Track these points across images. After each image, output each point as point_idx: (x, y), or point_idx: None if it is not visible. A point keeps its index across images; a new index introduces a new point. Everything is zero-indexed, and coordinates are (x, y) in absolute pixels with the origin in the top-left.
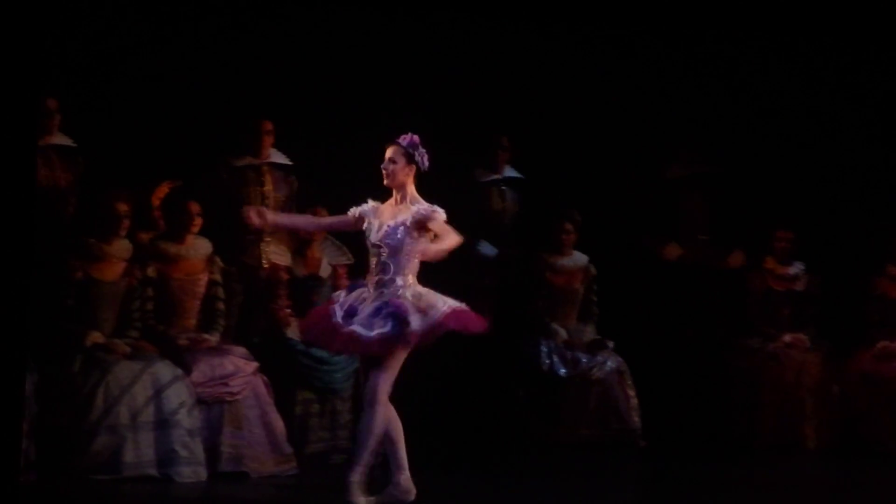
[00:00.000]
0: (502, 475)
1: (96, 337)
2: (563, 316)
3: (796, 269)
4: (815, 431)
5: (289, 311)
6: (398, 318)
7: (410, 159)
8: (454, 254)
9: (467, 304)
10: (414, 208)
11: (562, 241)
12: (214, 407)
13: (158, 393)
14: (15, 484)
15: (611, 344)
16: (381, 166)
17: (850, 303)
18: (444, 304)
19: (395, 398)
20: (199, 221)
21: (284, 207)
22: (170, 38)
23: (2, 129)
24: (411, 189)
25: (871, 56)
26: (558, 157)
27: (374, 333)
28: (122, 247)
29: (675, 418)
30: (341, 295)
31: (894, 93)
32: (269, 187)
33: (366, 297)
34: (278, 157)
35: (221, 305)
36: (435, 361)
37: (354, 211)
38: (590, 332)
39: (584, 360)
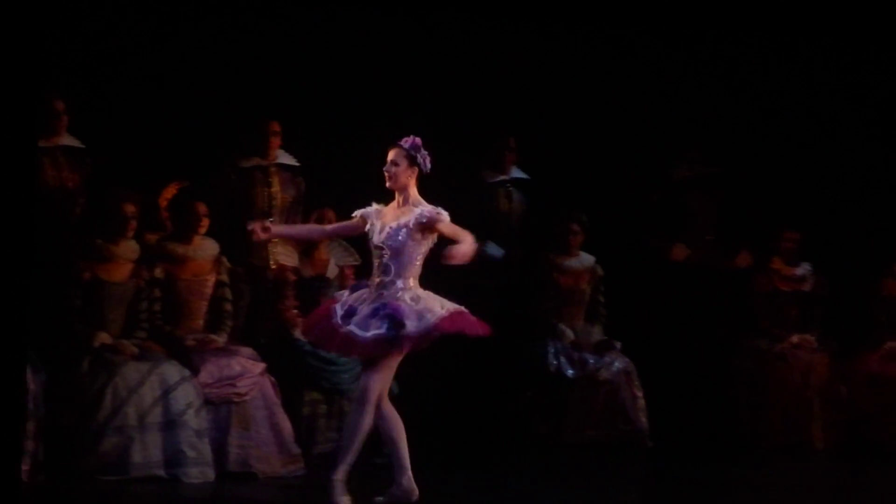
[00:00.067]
0: (509, 475)
1: (104, 338)
2: (570, 317)
3: (803, 269)
4: (822, 432)
5: (296, 311)
6: (394, 320)
7: (412, 161)
8: (441, 254)
9: (470, 305)
10: (417, 210)
11: (569, 241)
12: (222, 408)
13: (166, 394)
14: (17, 483)
15: (618, 345)
16: (384, 169)
17: (856, 303)
18: (443, 308)
19: (401, 398)
20: (206, 222)
21: (292, 208)
22: (177, 39)
23: (3, 129)
24: (413, 191)
25: (877, 57)
26: (565, 157)
27: (369, 334)
28: (129, 248)
29: (682, 419)
30: (344, 294)
31: None
32: (276, 188)
33: (366, 297)
34: (286, 158)
35: (229, 306)
36: (442, 362)
37: (358, 214)
38: (597, 333)
39: (592, 360)
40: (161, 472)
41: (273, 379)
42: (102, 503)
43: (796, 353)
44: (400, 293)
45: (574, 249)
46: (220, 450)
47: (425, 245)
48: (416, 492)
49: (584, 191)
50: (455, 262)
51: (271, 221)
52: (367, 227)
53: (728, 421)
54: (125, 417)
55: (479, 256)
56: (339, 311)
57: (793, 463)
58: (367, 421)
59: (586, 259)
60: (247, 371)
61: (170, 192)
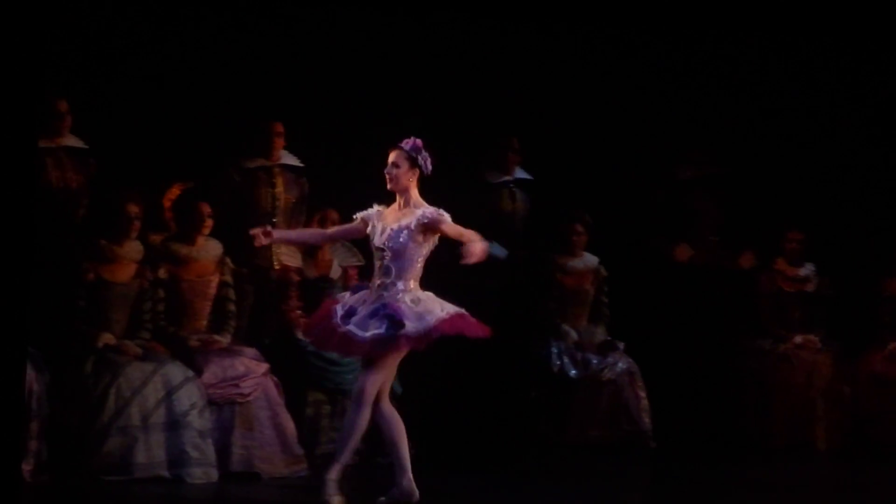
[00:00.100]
0: (512, 476)
1: (108, 338)
2: (573, 317)
3: (807, 270)
4: (825, 432)
5: (300, 312)
6: (393, 320)
7: (413, 163)
8: (457, 253)
9: (474, 305)
10: (419, 212)
11: (572, 242)
12: (225, 408)
13: (170, 394)
14: (17, 483)
15: (621, 345)
16: (385, 170)
17: (860, 304)
18: (443, 310)
19: (404, 398)
20: (210, 223)
21: (295, 209)
22: (181, 40)
23: (4, 129)
24: (414, 193)
25: (880, 57)
26: (569, 158)
27: (367, 334)
28: (133, 248)
29: (685, 419)
30: (346, 295)
31: None
32: (280, 189)
33: (366, 299)
34: (289, 159)
35: (232, 307)
36: (445, 362)
37: (359, 216)
38: (600, 334)
39: (595, 361)
40: (164, 473)
41: (276, 379)
42: (106, 503)
43: (800, 353)
44: (400, 295)
45: (578, 250)
46: (223, 450)
47: (426, 247)
48: (417, 494)
49: (587, 191)
50: (473, 260)
51: (274, 222)
52: (369, 229)
53: (732, 421)
54: (129, 418)
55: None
56: (339, 312)
57: (796, 463)
58: (363, 421)
59: (590, 260)
60: (250, 371)
61: (173, 192)
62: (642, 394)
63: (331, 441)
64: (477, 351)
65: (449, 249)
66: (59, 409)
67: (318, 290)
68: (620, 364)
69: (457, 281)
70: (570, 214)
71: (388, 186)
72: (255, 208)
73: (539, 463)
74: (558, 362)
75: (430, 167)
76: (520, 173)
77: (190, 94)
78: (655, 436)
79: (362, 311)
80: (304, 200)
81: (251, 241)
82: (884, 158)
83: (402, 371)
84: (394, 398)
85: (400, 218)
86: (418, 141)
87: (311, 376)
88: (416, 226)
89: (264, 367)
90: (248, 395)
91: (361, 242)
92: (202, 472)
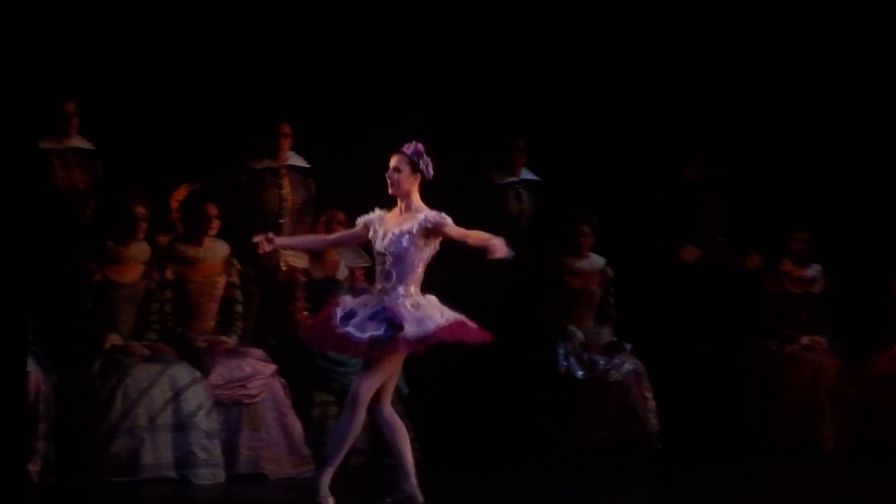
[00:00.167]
0: (518, 477)
1: (115, 339)
2: (580, 318)
3: (813, 270)
4: (832, 433)
5: (306, 313)
6: (392, 323)
7: (415, 168)
8: (463, 254)
9: (480, 306)
10: (421, 216)
11: (579, 243)
12: (232, 409)
13: (177, 395)
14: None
15: (628, 346)
16: (386, 175)
17: (867, 305)
18: (443, 316)
19: (411, 399)
20: (216, 224)
21: (302, 210)
22: (188, 41)
23: (6, 130)
24: (416, 197)
25: (890, 57)
26: (575, 159)
27: (366, 336)
28: (140, 249)
29: (692, 420)
30: (347, 299)
31: None
32: (286, 190)
33: (367, 302)
34: (296, 160)
35: (239, 308)
36: (451, 363)
37: (361, 221)
38: (607, 335)
39: (602, 362)
40: (171, 474)
41: (283, 380)
42: None
43: (806, 354)
44: (401, 299)
45: (584, 251)
46: (230, 451)
47: (427, 251)
48: (420, 498)
49: (594, 192)
50: (500, 253)
51: (281, 223)
52: (370, 234)
53: (738, 422)
54: (136, 419)
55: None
56: (340, 314)
57: (803, 464)
58: (357, 424)
59: (596, 260)
60: (257, 372)
61: (180, 193)
62: (649, 395)
63: None
64: (483, 352)
65: (454, 251)
66: (66, 410)
67: (324, 290)
68: (627, 365)
69: (463, 282)
70: (577, 215)
71: (390, 191)
72: (262, 209)
73: (545, 463)
74: (565, 363)
75: (431, 172)
76: (526, 174)
77: (197, 95)
78: (662, 437)
79: (362, 314)
80: (310, 201)
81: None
82: (890, 159)
83: (409, 372)
84: (400, 399)
85: (401, 222)
86: (420, 145)
87: (318, 377)
88: (417, 230)
89: (271, 367)
90: (255, 395)
91: (369, 243)
92: (209, 473)
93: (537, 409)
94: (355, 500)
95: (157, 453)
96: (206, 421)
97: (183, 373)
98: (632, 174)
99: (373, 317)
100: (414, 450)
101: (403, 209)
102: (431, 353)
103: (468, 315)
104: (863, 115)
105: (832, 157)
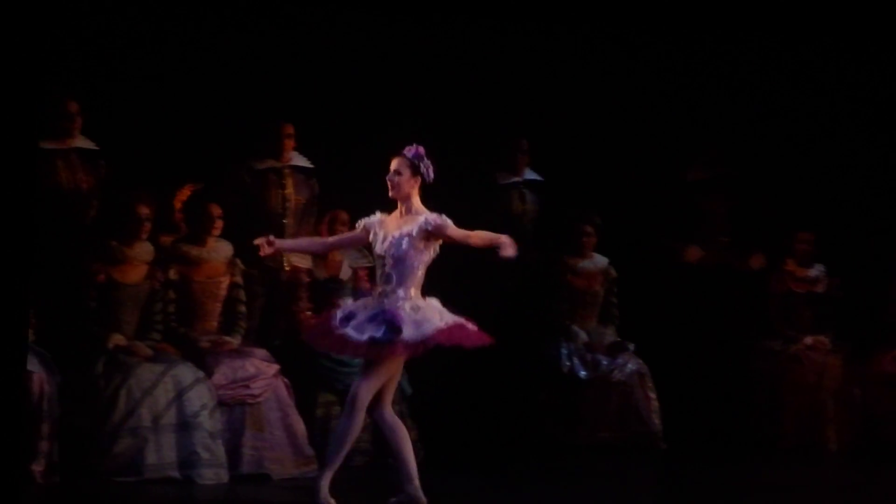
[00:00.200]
0: (521, 477)
1: (118, 339)
2: (583, 318)
3: (817, 271)
4: (836, 433)
5: (310, 313)
6: (391, 325)
7: (416, 171)
8: (464, 255)
9: (483, 307)
10: (421, 219)
11: (582, 243)
12: (236, 409)
13: (180, 395)
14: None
15: (631, 346)
16: (387, 178)
17: (870, 305)
18: (442, 320)
19: (414, 399)
20: (220, 224)
21: (306, 210)
22: (192, 41)
23: (7, 130)
24: (416, 200)
25: (893, 58)
26: (578, 159)
27: (364, 337)
28: (143, 249)
29: (695, 421)
30: (348, 301)
31: None
32: (290, 190)
33: (367, 305)
34: (300, 160)
35: (243, 308)
36: (454, 363)
37: (361, 224)
38: (610, 335)
39: (605, 362)
40: (175, 474)
41: (287, 380)
42: None
43: (810, 354)
44: (401, 302)
45: (587, 251)
46: (234, 451)
47: (427, 254)
48: (423, 500)
49: (597, 192)
50: (511, 251)
51: (284, 223)
52: (371, 236)
53: (742, 422)
54: (139, 419)
55: (492, 258)
56: (339, 315)
57: (807, 464)
58: (356, 426)
59: (600, 261)
60: (261, 373)
61: (184, 193)
62: (652, 395)
63: None
64: (486, 352)
65: (456, 251)
66: (69, 410)
67: (327, 291)
68: (630, 365)
69: (466, 282)
70: (580, 215)
71: (390, 194)
72: (266, 209)
73: (548, 464)
74: (568, 363)
75: (432, 175)
76: (529, 174)
77: (200, 95)
78: (665, 437)
79: (361, 316)
80: (314, 201)
81: None
82: (893, 159)
83: (412, 372)
84: (403, 399)
85: (401, 225)
86: (421, 148)
87: (321, 377)
88: (418, 233)
89: (274, 368)
90: (259, 396)
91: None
92: (213, 473)
93: (540, 409)
94: (359, 500)
95: (161, 453)
96: (210, 421)
97: (186, 373)
98: (635, 174)
99: (372, 319)
100: (417, 450)
101: (403, 212)
102: (434, 354)
103: (470, 315)
104: (865, 115)
105: (835, 156)
